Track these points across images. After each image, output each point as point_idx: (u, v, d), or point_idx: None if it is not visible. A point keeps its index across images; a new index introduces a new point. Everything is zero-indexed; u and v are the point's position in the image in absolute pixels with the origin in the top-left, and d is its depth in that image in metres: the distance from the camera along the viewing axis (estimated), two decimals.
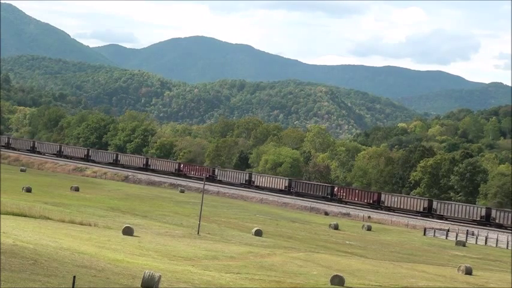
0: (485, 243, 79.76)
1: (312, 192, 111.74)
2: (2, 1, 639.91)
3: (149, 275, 27.80)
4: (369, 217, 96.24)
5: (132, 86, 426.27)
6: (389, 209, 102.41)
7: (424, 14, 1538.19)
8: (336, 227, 78.58)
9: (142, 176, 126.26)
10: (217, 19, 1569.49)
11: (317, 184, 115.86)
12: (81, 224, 51.61)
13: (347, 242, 66.67)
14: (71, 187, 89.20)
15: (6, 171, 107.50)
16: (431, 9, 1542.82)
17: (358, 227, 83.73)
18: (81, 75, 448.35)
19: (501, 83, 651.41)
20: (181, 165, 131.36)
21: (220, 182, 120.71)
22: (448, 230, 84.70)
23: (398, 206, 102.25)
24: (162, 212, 73.71)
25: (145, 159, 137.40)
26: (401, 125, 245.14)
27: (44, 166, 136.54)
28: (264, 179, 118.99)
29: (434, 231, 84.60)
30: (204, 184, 68.60)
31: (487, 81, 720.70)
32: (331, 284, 36.93)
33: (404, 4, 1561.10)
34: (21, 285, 24.46)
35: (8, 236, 36.14)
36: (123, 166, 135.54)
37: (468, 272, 48.64)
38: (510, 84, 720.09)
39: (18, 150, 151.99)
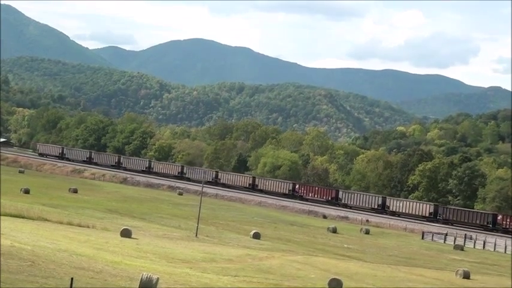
0: (484, 247, 79.79)
1: (466, 220, 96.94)
2: (1, 2, 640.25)
3: (147, 277, 27.76)
4: (367, 221, 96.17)
5: (131, 88, 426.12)
6: None
7: (424, 17, 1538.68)
8: (335, 231, 78.59)
9: (141, 178, 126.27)
10: (216, 21, 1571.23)
11: (473, 211, 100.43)
12: (79, 225, 51.58)
13: (345, 245, 66.67)
14: (69, 189, 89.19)
15: (4, 172, 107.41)
16: (430, 12, 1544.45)
17: (357, 231, 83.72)
18: (80, 77, 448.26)
19: (500, 87, 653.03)
20: (297, 186, 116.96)
21: (345, 205, 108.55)
22: (446, 234, 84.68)
23: None
24: (160, 214, 73.71)
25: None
26: (400, 128, 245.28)
27: (43, 168, 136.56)
28: (401, 204, 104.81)
29: (433, 235, 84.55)
30: (203, 187, 68.60)
31: (486, 85, 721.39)
32: (329, 287, 36.92)
33: (403, 7, 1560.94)
34: (19, 286, 24.43)
35: (6, 238, 36.07)
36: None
37: (466, 276, 48.67)
38: (509, 89, 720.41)
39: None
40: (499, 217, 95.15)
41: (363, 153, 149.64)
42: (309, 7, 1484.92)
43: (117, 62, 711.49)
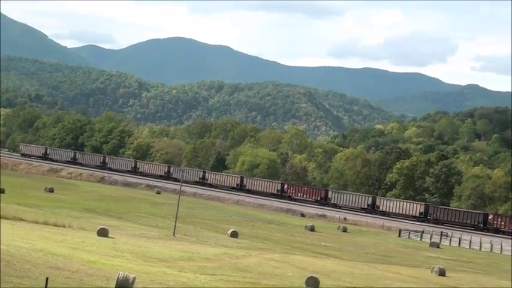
0: (459, 244, 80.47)
1: (457, 220, 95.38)
2: None
3: (123, 276, 27.74)
4: (345, 218, 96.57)
5: (110, 87, 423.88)
6: None
7: (403, 16, 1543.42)
8: (312, 229, 78.79)
9: (119, 177, 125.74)
10: (196, 20, 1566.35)
11: (464, 211, 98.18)
12: (55, 225, 51.25)
13: (323, 243, 66.89)
14: (45, 188, 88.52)
15: None
16: (410, 10, 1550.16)
17: (334, 229, 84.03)
18: (58, 76, 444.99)
19: (477, 85, 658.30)
20: (285, 186, 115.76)
21: (335, 206, 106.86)
22: (423, 232, 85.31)
23: None
24: (137, 214, 73.44)
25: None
26: (378, 126, 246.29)
27: (18, 167, 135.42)
28: (391, 204, 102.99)
29: (409, 232, 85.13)
30: (181, 185, 68.53)
31: (463, 83, 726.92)
32: (306, 286, 37.03)
33: (383, 6, 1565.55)
34: None
35: None
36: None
37: (442, 273, 49.08)
38: (485, 86, 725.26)
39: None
40: (490, 217, 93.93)
41: (341, 151, 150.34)
42: (289, 6, 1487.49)
43: (96, 61, 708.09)
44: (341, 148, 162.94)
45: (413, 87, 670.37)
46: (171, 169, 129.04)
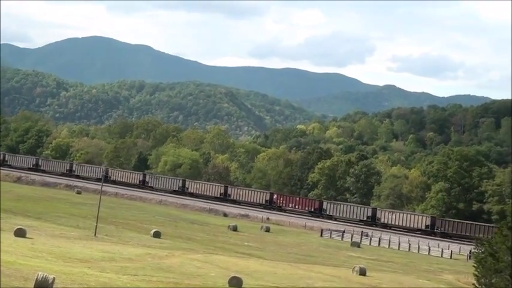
0: (379, 244, 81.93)
1: (467, 233, 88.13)
2: None
3: (42, 277, 27.10)
4: (268, 218, 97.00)
5: (26, 86, 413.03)
6: None
7: (323, 16, 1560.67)
8: (235, 229, 78.90)
9: (36, 177, 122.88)
10: (115, 20, 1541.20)
11: (475, 224, 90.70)
12: None
13: (245, 243, 67.06)
14: None
15: None
16: (329, 11, 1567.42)
17: (257, 228, 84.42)
18: None
19: (394, 86, 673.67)
20: (275, 196, 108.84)
21: (330, 217, 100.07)
22: (344, 232, 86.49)
23: None
24: (57, 214, 71.97)
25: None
26: (300, 126, 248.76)
27: None
28: (394, 216, 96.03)
29: (331, 232, 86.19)
30: (102, 185, 67.43)
31: (381, 84, 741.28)
32: (229, 285, 37.09)
33: (303, 6, 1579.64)
34: None
35: None
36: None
37: (362, 272, 49.89)
38: (401, 87, 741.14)
39: None
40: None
41: (263, 151, 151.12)
42: (209, 6, 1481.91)
43: (11, 60, 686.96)
44: (263, 148, 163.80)
45: (333, 88, 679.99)
46: (147, 177, 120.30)
